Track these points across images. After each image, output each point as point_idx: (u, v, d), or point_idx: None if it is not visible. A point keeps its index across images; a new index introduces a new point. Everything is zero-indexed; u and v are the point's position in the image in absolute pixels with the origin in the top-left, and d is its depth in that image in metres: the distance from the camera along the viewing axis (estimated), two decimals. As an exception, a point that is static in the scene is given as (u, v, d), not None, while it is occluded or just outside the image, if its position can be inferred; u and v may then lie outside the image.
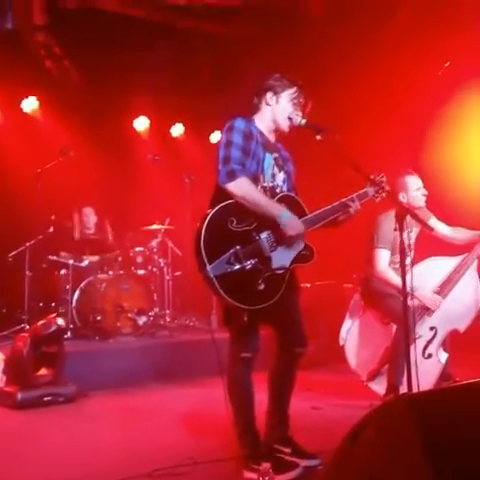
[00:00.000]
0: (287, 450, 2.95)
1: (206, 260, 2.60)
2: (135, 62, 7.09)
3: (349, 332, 4.49)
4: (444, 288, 4.27)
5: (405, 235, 3.91)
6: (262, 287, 2.70)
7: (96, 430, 3.79)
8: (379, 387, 4.23)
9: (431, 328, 4.29)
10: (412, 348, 4.21)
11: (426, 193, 4.30)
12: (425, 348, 4.27)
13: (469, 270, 4.32)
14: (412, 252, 4.26)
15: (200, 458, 2.93)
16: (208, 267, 2.60)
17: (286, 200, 2.91)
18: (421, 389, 2.66)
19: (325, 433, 3.27)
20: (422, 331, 4.24)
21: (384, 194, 3.01)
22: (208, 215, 2.68)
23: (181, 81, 7.48)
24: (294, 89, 2.97)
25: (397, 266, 4.15)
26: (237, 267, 2.64)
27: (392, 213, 4.30)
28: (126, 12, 6.79)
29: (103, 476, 2.77)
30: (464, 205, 5.97)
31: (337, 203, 2.97)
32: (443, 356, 4.32)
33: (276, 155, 2.99)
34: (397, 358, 4.02)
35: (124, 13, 6.77)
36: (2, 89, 7.15)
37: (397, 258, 4.12)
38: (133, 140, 8.28)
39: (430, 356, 4.26)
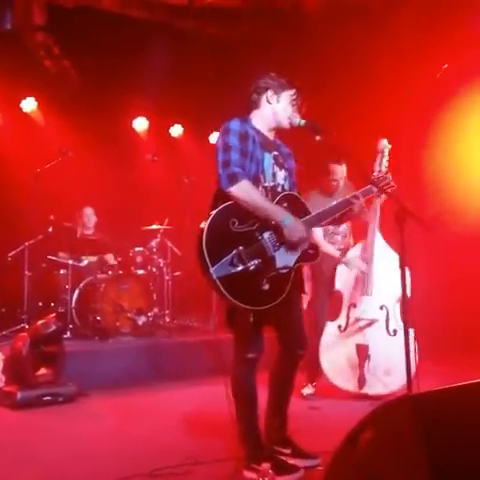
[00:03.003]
0: (287, 451, 2.95)
1: (209, 262, 2.58)
2: (134, 63, 7.08)
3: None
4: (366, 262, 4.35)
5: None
6: (267, 287, 2.68)
7: (96, 430, 3.80)
8: (375, 389, 4.20)
9: (381, 307, 4.32)
10: (375, 332, 4.29)
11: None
12: (387, 327, 4.30)
13: (376, 239, 4.35)
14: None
15: (200, 458, 2.94)
16: (211, 269, 2.57)
17: (288, 199, 2.89)
18: (402, 363, 2.64)
19: (323, 434, 3.28)
20: (374, 314, 4.29)
21: (389, 190, 2.94)
22: (209, 217, 2.66)
23: (180, 82, 7.47)
24: (293, 90, 2.97)
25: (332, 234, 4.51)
26: (240, 268, 2.62)
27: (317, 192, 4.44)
28: (126, 13, 6.79)
29: (103, 475, 2.78)
30: (465, 204, 5.99)
31: (340, 200, 2.96)
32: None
33: (275, 153, 2.97)
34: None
35: (124, 14, 6.77)
36: (1, 89, 7.14)
37: (330, 229, 4.44)
38: (132, 140, 8.27)
39: (396, 332, 4.27)
